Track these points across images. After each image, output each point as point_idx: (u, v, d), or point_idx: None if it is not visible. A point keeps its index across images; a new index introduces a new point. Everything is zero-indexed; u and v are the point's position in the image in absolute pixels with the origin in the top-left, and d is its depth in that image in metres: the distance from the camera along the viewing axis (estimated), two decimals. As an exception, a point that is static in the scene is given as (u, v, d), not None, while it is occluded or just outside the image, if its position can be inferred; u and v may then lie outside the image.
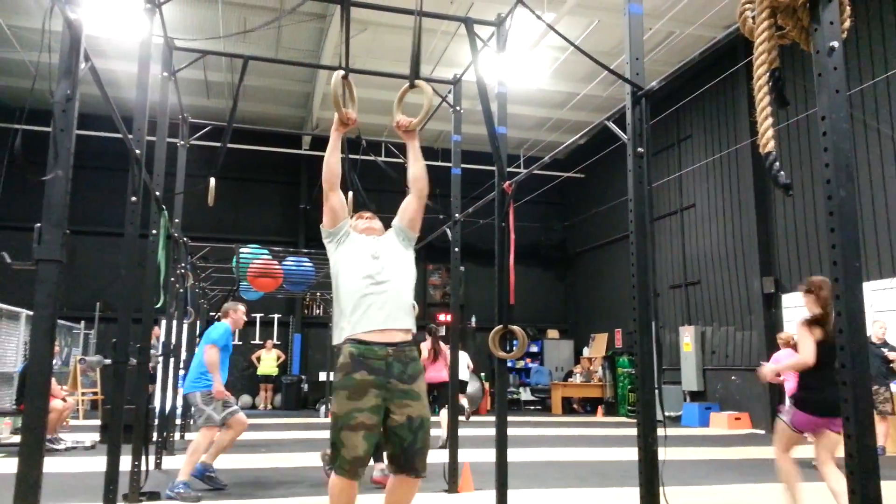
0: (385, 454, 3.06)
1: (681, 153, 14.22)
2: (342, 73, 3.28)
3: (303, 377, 16.13)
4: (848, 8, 2.26)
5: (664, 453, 3.05)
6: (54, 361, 8.85)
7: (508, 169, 4.94)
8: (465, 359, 11.70)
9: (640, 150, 3.14)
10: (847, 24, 2.26)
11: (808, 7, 2.18)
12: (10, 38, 11.31)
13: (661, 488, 2.99)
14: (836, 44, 2.08)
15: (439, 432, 7.94)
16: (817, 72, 2.10)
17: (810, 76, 2.15)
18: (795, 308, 11.05)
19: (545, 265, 19.08)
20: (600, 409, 15.44)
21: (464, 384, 11.19)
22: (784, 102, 2.23)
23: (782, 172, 2.11)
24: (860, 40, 9.89)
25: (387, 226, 3.47)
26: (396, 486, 3.04)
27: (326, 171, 3.25)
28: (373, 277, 3.09)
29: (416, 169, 3.36)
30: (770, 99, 2.17)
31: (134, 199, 3.95)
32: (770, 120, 2.13)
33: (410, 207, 3.35)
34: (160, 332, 8.02)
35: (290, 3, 10.91)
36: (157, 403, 7.48)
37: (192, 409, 5.72)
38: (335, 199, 3.26)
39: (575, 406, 16.26)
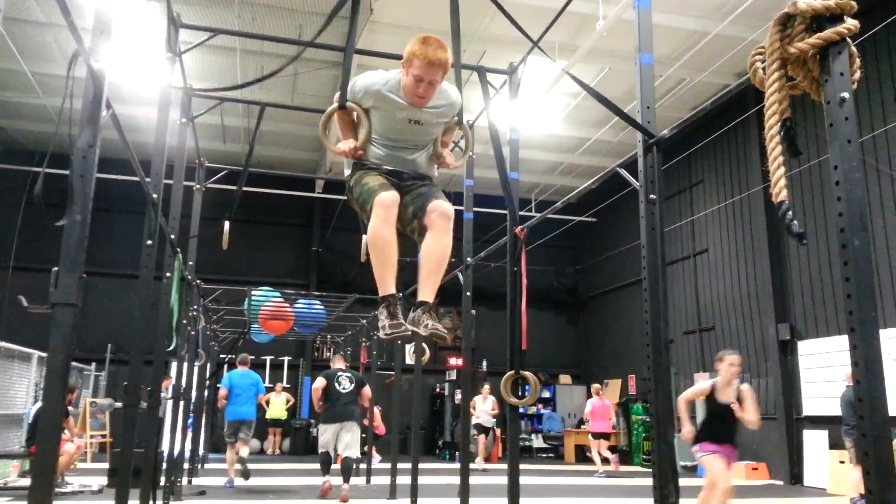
0: (414, 224, 2.98)
1: (693, 198, 14.23)
2: (334, 105, 3.01)
3: (312, 421, 15.97)
4: (858, 59, 2.29)
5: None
6: (70, 406, 8.87)
7: (521, 212, 4.97)
8: (489, 404, 13.20)
9: (652, 196, 3.16)
10: (857, 74, 2.28)
11: (818, 58, 2.21)
12: (32, 84, 11.61)
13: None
14: (846, 94, 2.10)
15: None
16: (829, 122, 2.11)
17: (822, 122, 2.17)
18: (812, 355, 10.90)
19: (557, 309, 18.98)
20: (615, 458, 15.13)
21: (485, 429, 13.15)
22: (796, 152, 2.24)
23: (795, 222, 2.11)
24: (871, 85, 9.95)
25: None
26: (428, 235, 2.91)
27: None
28: (397, 156, 3.03)
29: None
30: (782, 149, 2.18)
31: (150, 242, 3.99)
32: (782, 170, 2.14)
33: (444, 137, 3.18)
34: (171, 381, 7.82)
35: (305, 52, 11.15)
36: (165, 447, 7.42)
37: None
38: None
39: (588, 454, 15.95)
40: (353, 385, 8.47)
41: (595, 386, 13.14)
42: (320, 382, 8.37)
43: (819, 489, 10.27)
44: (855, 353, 1.93)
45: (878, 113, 9.85)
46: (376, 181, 2.88)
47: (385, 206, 2.76)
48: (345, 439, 8.03)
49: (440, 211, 2.88)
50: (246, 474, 8.94)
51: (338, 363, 8.96)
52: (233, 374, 9.52)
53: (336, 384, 8.41)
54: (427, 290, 2.89)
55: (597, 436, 12.33)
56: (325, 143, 3.08)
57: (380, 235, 2.75)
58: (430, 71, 2.80)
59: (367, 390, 8.83)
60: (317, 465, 8.37)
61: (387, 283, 2.81)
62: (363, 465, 10.01)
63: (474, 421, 12.66)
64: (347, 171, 3.11)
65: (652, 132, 3.23)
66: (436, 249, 2.87)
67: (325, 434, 8.15)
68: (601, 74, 11.77)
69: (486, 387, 13.22)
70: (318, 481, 8.15)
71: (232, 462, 8.97)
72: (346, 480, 7.75)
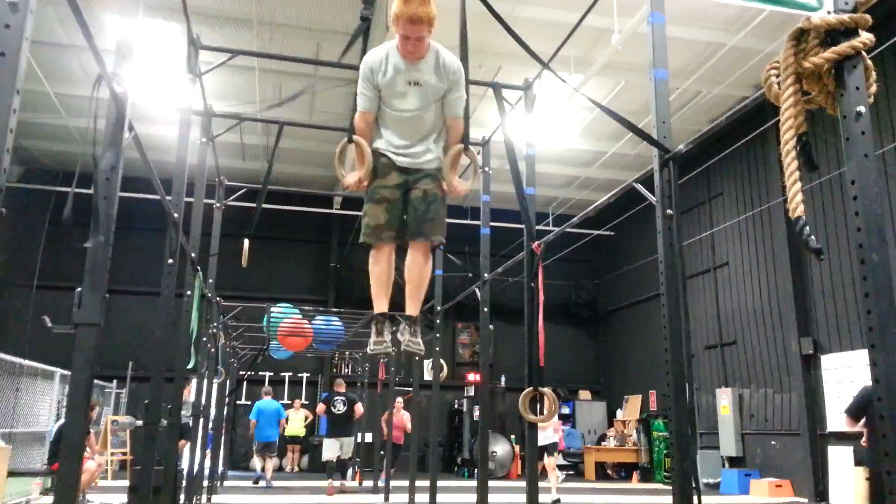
0: (407, 230, 3.26)
1: (712, 211, 14.14)
2: (344, 140, 3.33)
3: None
4: (874, 72, 2.28)
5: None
6: (91, 423, 8.97)
7: (538, 227, 4.97)
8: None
9: (668, 211, 3.15)
10: (873, 88, 2.27)
11: (833, 73, 2.20)
12: (55, 105, 11.84)
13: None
14: (862, 108, 2.09)
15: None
16: (845, 136, 2.10)
17: (840, 133, 2.16)
18: (836, 370, 10.74)
19: (576, 324, 18.87)
20: (635, 475, 14.97)
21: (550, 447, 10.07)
22: (813, 167, 2.24)
23: (812, 237, 2.10)
24: (892, 95, 9.86)
25: None
26: (411, 254, 3.30)
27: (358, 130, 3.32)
28: (403, 120, 3.24)
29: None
30: (798, 164, 2.17)
31: (171, 261, 4.04)
32: (798, 185, 2.13)
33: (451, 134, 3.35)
34: (191, 390, 8.23)
35: (323, 71, 11.28)
36: (185, 464, 7.45)
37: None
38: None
39: (609, 471, 15.79)
40: (346, 407, 10.68)
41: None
42: (321, 407, 11.20)
43: (845, 507, 10.07)
44: (875, 369, 1.91)
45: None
46: (379, 216, 3.18)
47: (379, 256, 3.24)
48: (342, 450, 10.76)
49: (424, 248, 3.26)
50: (267, 481, 11.50)
51: (338, 388, 11.05)
52: (259, 403, 12.04)
53: (332, 407, 10.67)
54: (410, 305, 3.32)
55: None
56: (339, 173, 3.40)
57: (374, 271, 3.27)
58: (413, 28, 2.94)
59: (358, 407, 10.92)
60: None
61: (378, 304, 3.27)
62: (381, 483, 10.30)
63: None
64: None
65: (668, 147, 3.23)
66: (415, 269, 3.28)
67: (329, 448, 10.61)
68: (617, 88, 11.77)
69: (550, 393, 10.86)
70: (337, 500, 8.91)
71: (266, 468, 11.68)
72: (343, 476, 11.02)
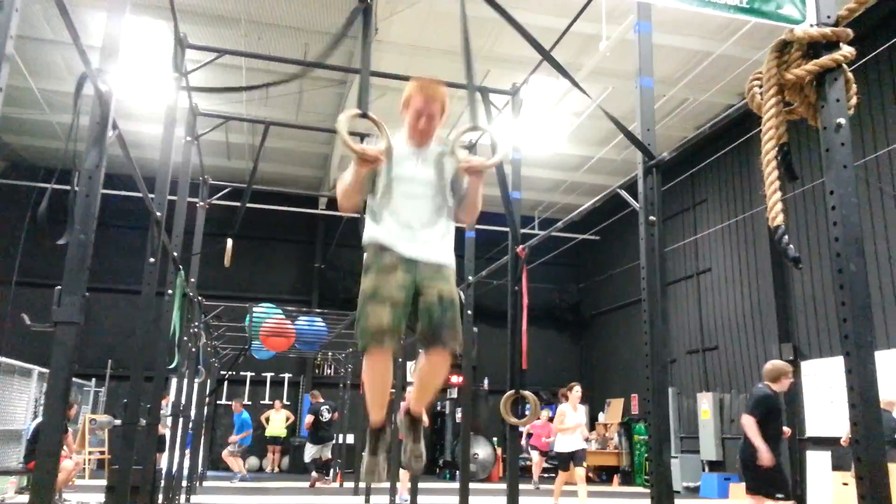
0: (418, 335, 2.88)
1: (696, 217, 14.25)
2: (353, 111, 2.94)
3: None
4: (854, 85, 2.32)
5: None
6: (69, 422, 8.87)
7: (523, 230, 4.99)
8: (580, 416, 8.70)
9: (651, 218, 3.17)
10: (854, 100, 2.31)
11: (814, 84, 2.24)
12: (38, 100, 11.71)
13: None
14: (843, 120, 2.12)
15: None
16: (825, 147, 2.14)
17: (818, 142, 2.19)
18: (815, 376, 10.86)
19: (560, 327, 18.94)
20: (616, 478, 15.04)
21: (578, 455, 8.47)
22: (793, 177, 2.27)
23: (791, 246, 2.13)
24: (874, 106, 9.99)
25: None
26: (426, 361, 2.90)
27: (344, 204, 2.92)
28: (408, 205, 2.89)
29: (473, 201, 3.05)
30: (778, 174, 2.20)
31: (152, 260, 4.01)
32: (778, 194, 2.16)
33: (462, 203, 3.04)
34: (170, 398, 8.23)
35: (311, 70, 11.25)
36: (164, 464, 7.39)
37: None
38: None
39: (590, 474, 15.83)
40: (330, 415, 12.48)
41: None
42: (310, 418, 12.41)
43: (822, 512, 10.18)
44: (850, 377, 1.94)
45: (881, 134, 9.89)
46: (382, 318, 2.70)
47: (377, 362, 2.79)
48: (325, 453, 12.43)
49: (442, 356, 2.85)
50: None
51: (318, 398, 12.80)
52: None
53: (321, 416, 12.32)
54: (417, 401, 3.06)
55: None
56: (349, 144, 2.70)
57: (371, 379, 2.86)
58: (428, 104, 2.89)
59: (335, 415, 12.75)
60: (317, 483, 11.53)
61: (375, 414, 2.93)
62: (362, 485, 10.26)
63: (563, 448, 8.52)
64: (363, 240, 2.97)
65: (652, 154, 3.25)
66: (431, 376, 2.95)
67: (313, 450, 12.30)
68: (604, 94, 11.83)
69: (577, 389, 8.79)
70: (316, 500, 9.20)
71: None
72: (327, 474, 12.54)
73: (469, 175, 2.98)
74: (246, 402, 14.13)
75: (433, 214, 2.91)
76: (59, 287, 2.39)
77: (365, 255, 2.91)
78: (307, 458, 12.47)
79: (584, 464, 8.51)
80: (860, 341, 1.92)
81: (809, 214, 10.98)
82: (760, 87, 2.42)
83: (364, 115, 2.99)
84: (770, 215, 2.15)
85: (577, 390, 8.66)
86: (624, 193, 3.60)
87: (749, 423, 5.18)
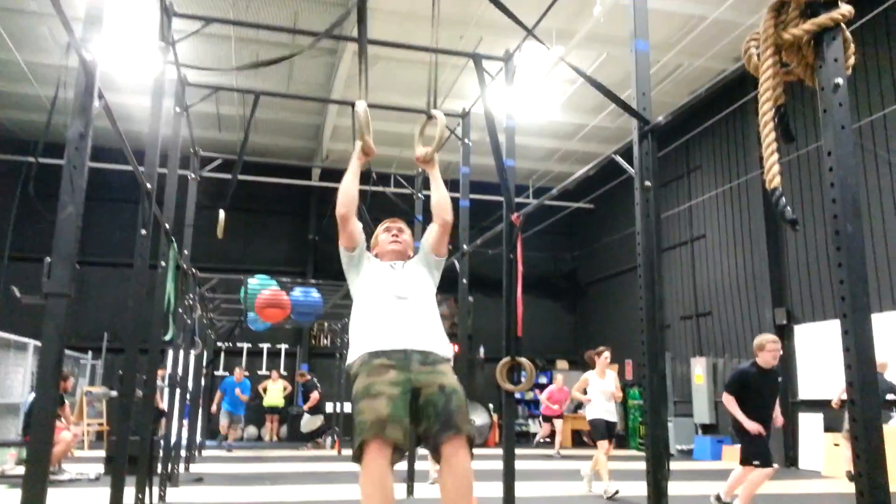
0: (426, 437, 2.70)
1: (690, 184, 14.23)
2: (364, 104, 3.14)
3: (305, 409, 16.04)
4: (852, 45, 2.28)
5: (675, 488, 3.00)
6: (66, 394, 8.88)
7: (517, 199, 4.97)
8: (608, 383, 7.71)
9: (647, 183, 3.15)
10: (852, 60, 2.28)
11: (812, 44, 2.20)
12: (25, 73, 11.53)
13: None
14: (840, 80, 2.09)
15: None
16: (822, 108, 2.11)
17: (817, 108, 2.16)
18: (808, 339, 10.95)
19: (555, 295, 19.01)
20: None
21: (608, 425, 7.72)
22: (790, 138, 2.24)
23: (788, 208, 2.11)
24: (870, 69, 9.92)
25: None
26: (445, 467, 2.63)
27: (343, 198, 3.10)
28: (395, 301, 2.93)
29: (438, 196, 3.23)
30: (775, 135, 2.18)
31: (144, 232, 3.98)
32: (776, 156, 2.14)
33: (433, 234, 3.21)
34: (165, 371, 8.30)
35: (302, 39, 11.09)
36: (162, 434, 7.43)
37: None
38: (354, 226, 3.13)
39: (584, 439, 16.04)
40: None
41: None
42: (316, 395, 13.29)
43: (814, 472, 10.35)
44: (846, 338, 1.94)
45: (877, 97, 9.83)
46: (380, 408, 2.53)
47: (374, 466, 2.48)
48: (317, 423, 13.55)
49: (460, 447, 2.62)
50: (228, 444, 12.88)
51: (306, 377, 13.67)
52: (228, 379, 13.46)
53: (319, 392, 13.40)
54: None
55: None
56: (363, 130, 3.09)
57: (369, 489, 2.47)
58: (394, 223, 3.38)
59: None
60: (312, 453, 12.28)
61: None
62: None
63: (594, 415, 7.74)
64: (349, 360, 2.91)
65: (647, 119, 3.22)
66: (453, 489, 2.60)
67: (312, 421, 13.40)
68: (599, 60, 11.72)
69: (606, 354, 7.80)
70: (315, 467, 9.38)
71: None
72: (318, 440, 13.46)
73: (422, 167, 3.32)
74: (245, 372, 14.18)
75: (425, 335, 2.87)
76: (48, 259, 2.37)
77: (352, 367, 2.83)
78: (306, 429, 13.48)
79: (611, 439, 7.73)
80: (857, 303, 1.92)
81: (804, 180, 10.97)
82: (757, 47, 2.38)
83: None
84: (767, 177, 2.13)
85: (606, 355, 7.69)
86: (619, 159, 3.57)
87: (726, 400, 5.65)
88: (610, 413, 7.61)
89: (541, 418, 13.97)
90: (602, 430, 7.50)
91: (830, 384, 10.08)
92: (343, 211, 3.11)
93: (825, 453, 10.12)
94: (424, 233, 3.29)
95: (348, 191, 3.13)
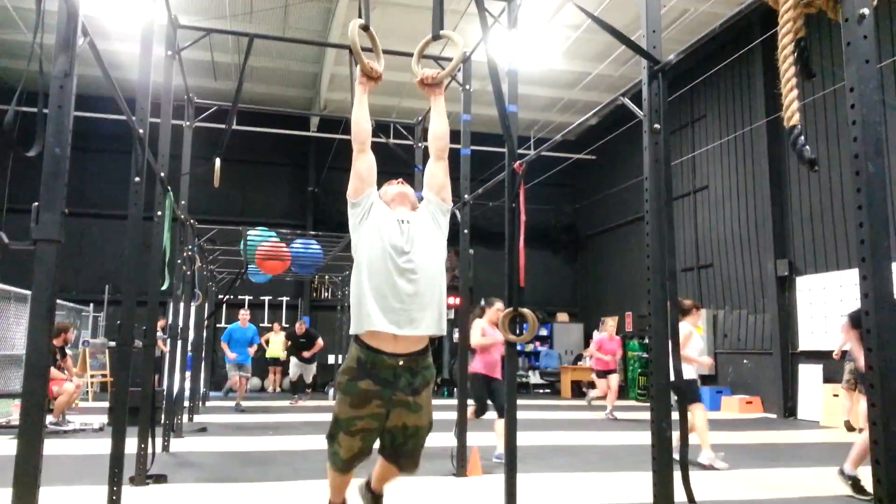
0: (380, 449, 3.06)
1: (694, 134, 14.03)
2: (359, 21, 2.96)
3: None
4: (878, -26, 2.14)
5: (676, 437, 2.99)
6: (67, 347, 8.90)
7: (518, 150, 4.84)
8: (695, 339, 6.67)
9: (656, 126, 3.04)
10: (877, -10, 2.15)
11: (836, -28, 2.07)
12: (14, 20, 11.24)
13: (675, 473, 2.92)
14: (866, 11, 1.97)
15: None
16: (846, 41, 1.99)
17: (830, 51, 2.05)
18: (810, 291, 10.93)
19: (555, 248, 18.96)
20: (610, 393, 15.36)
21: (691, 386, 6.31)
22: (810, 74, 2.13)
23: (807, 147, 2.01)
24: (881, 17, 9.65)
25: None
26: (382, 465, 3.10)
27: (355, 129, 2.93)
28: (399, 266, 2.81)
29: (439, 125, 3.09)
30: (795, 70, 2.07)
31: (137, 179, 3.88)
32: (795, 92, 2.03)
33: (437, 173, 3.05)
34: (166, 322, 8.23)
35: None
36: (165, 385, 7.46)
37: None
38: (363, 162, 2.93)
39: (584, 390, 16.19)
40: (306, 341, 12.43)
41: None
42: (321, 342, 12.56)
43: (812, 422, 10.45)
44: (865, 283, 1.86)
45: (887, 43, 9.57)
46: (354, 447, 2.87)
47: (344, 477, 3.08)
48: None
49: (395, 473, 3.07)
50: (237, 402, 11.40)
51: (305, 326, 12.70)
52: (232, 326, 11.77)
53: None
54: (378, 482, 3.18)
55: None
56: (358, 51, 2.95)
57: (334, 484, 3.13)
58: (396, 180, 3.18)
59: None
60: (315, 402, 12.22)
61: (335, 495, 3.16)
62: None
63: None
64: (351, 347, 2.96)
65: (657, 58, 3.09)
66: (384, 477, 3.14)
67: (307, 370, 12.74)
68: (603, 3, 11.39)
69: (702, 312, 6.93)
70: (315, 417, 9.51)
71: (238, 388, 11.67)
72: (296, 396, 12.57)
73: (426, 90, 3.14)
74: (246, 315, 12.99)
75: (422, 310, 2.85)
76: (35, 204, 2.28)
77: (349, 355, 2.88)
78: (295, 377, 12.86)
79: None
80: (877, 247, 1.84)
81: (810, 126, 10.77)
82: (777, -22, 2.25)
83: (366, 28, 3.02)
84: (786, 115, 2.02)
85: (702, 312, 6.64)
86: (628, 101, 3.44)
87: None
88: (689, 370, 6.24)
89: (594, 375, 11.45)
90: (695, 392, 6.34)
91: (830, 336, 10.10)
92: (355, 147, 2.94)
93: (824, 404, 10.20)
94: (425, 176, 3.12)
95: (357, 122, 2.95)
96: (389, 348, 2.78)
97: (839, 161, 10.12)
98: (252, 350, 11.75)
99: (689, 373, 6.10)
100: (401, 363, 2.79)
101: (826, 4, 2.20)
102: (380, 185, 3.09)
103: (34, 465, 2.22)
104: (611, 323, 11.43)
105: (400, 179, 3.17)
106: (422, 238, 2.91)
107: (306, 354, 12.45)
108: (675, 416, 2.90)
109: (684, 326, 6.31)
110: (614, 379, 10.88)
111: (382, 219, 2.90)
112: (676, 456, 2.93)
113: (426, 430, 2.96)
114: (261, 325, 16.25)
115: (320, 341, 12.56)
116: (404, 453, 2.93)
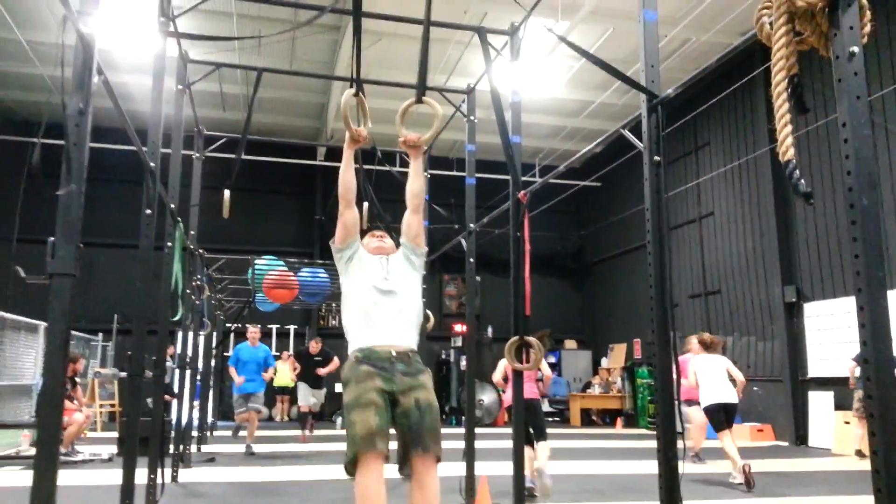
0: (400, 444, 3.05)
1: (698, 161, 14.10)
2: (353, 91, 3.42)
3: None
4: (868, 12, 2.21)
5: (684, 466, 2.99)
6: (78, 376, 8.93)
7: (523, 178, 4.91)
8: (722, 363, 6.94)
9: (656, 158, 3.10)
10: (867, 28, 2.21)
11: (826, 12, 2.14)
12: (27, 54, 11.47)
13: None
14: (856, 49, 2.03)
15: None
16: (837, 77, 2.05)
17: (830, 81, 2.11)
18: (818, 317, 10.89)
19: (562, 275, 18.97)
20: (619, 421, 15.27)
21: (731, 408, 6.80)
22: (803, 109, 2.19)
23: (803, 181, 2.06)
24: (881, 43, 9.76)
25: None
26: (417, 478, 2.95)
27: (341, 187, 3.34)
28: (380, 296, 3.22)
29: (416, 184, 3.47)
30: (789, 106, 2.12)
31: (149, 211, 3.96)
32: (789, 127, 2.09)
33: (413, 224, 3.46)
34: (174, 349, 8.16)
35: (303, 15, 10.98)
36: (173, 416, 7.48)
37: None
38: (349, 216, 3.35)
39: (594, 418, 16.10)
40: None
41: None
42: (336, 361, 11.17)
43: (824, 449, 10.34)
44: (862, 314, 1.90)
45: (888, 71, 9.66)
46: (370, 420, 2.86)
47: (369, 475, 2.79)
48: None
49: (430, 464, 2.94)
50: (247, 445, 9.28)
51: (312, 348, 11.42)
52: (240, 347, 9.94)
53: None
54: None
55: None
56: (348, 120, 3.42)
57: (366, 495, 2.80)
58: (378, 231, 3.65)
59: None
60: (324, 431, 10.96)
61: None
62: None
63: (708, 400, 6.91)
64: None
65: (655, 92, 3.16)
66: (428, 494, 2.94)
67: (317, 395, 11.28)
68: (605, 35, 11.57)
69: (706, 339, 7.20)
70: (325, 447, 9.25)
71: (249, 425, 9.50)
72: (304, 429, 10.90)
73: (408, 151, 3.51)
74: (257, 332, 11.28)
75: (404, 327, 3.24)
76: (52, 239, 2.35)
77: (346, 364, 3.18)
78: (305, 402, 11.03)
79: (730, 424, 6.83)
80: (872, 277, 1.88)
81: (813, 155, 10.83)
82: (770, 16, 2.32)
83: (357, 94, 3.53)
84: (780, 149, 2.08)
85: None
86: (627, 133, 3.51)
87: None
88: (730, 394, 6.89)
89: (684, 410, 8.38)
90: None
91: (840, 362, 10.04)
92: (342, 203, 3.35)
93: (835, 431, 10.11)
94: (402, 225, 3.50)
95: (345, 181, 3.36)
96: (380, 346, 3.14)
97: (843, 188, 10.15)
98: (267, 375, 9.81)
99: (729, 395, 6.85)
100: (394, 353, 3.12)
101: (818, 42, 2.26)
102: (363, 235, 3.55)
103: (49, 495, 2.26)
104: (694, 341, 7.97)
105: (381, 233, 3.62)
106: (398, 270, 3.36)
107: (322, 372, 10.94)
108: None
109: (710, 359, 7.05)
110: (698, 415, 8.23)
111: (366, 258, 3.38)
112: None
113: (437, 408, 3.12)
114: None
115: (336, 360, 11.20)
116: (425, 428, 2.97)
